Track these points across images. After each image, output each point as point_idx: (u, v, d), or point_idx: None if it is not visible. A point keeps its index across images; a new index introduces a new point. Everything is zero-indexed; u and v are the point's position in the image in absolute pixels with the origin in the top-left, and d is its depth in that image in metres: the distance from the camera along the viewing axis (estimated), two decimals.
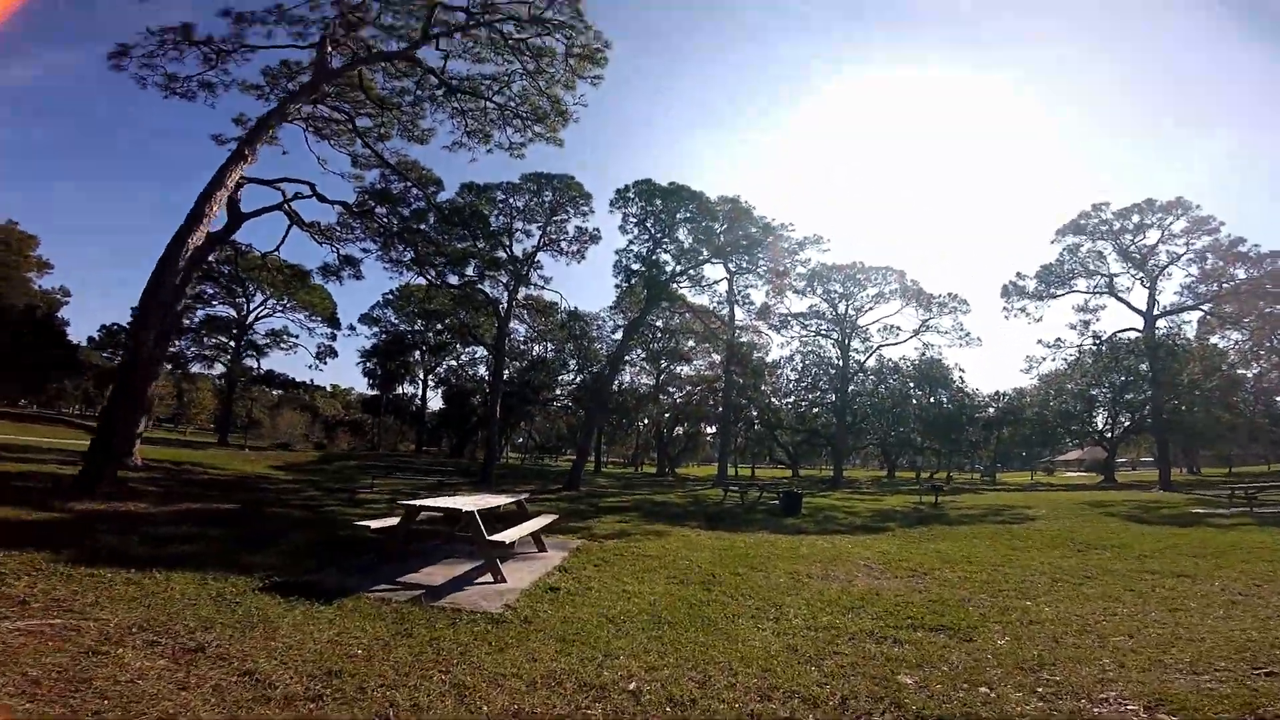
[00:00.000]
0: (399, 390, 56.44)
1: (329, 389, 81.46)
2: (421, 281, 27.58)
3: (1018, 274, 37.01)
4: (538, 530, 8.23)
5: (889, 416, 46.95)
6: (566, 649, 4.21)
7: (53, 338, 36.69)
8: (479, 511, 6.55)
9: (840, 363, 40.12)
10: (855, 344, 40.33)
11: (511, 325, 38.23)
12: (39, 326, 34.93)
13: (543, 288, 29.47)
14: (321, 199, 21.13)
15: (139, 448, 16.64)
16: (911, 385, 47.72)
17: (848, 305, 39.41)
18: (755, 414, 45.49)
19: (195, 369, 46.36)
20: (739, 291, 30.44)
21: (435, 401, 59.93)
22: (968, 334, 39.95)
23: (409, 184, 23.40)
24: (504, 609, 5.30)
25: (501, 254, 25.87)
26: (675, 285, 26.83)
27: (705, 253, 26.54)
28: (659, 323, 32.40)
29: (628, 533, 10.94)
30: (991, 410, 51.14)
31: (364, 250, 25.04)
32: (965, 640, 4.74)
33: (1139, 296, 34.22)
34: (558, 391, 45.83)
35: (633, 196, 26.14)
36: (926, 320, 39.78)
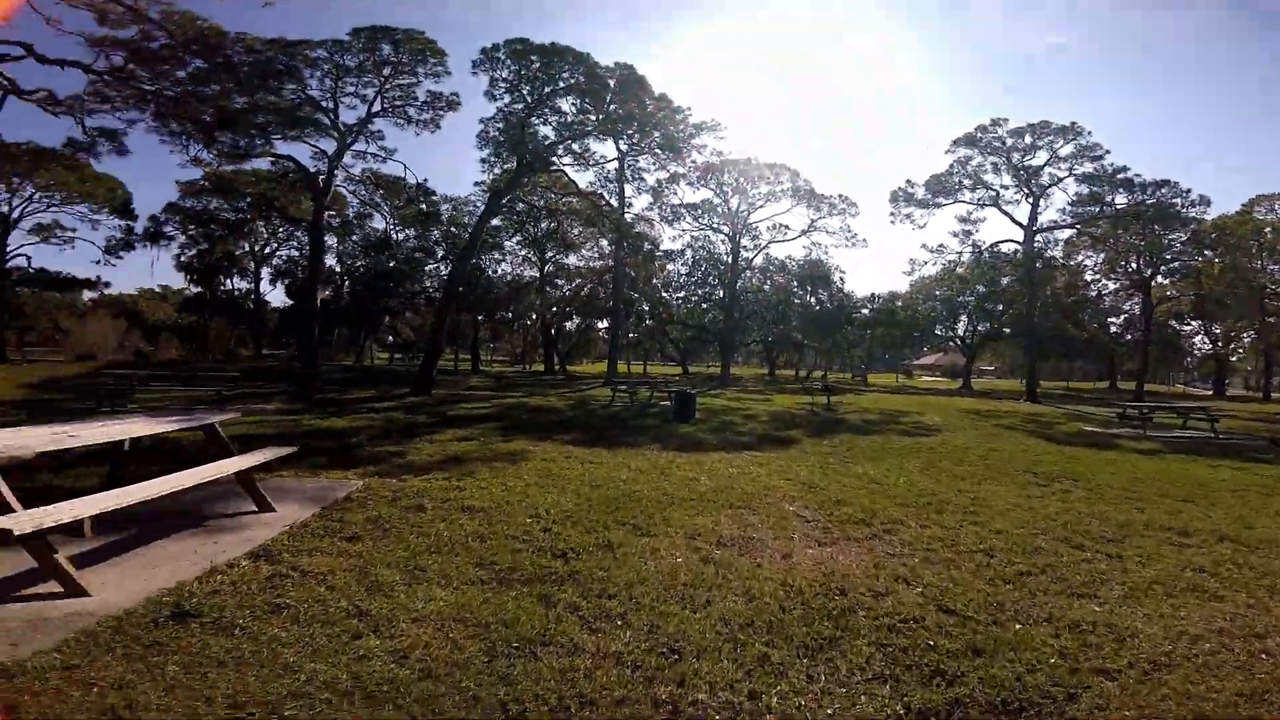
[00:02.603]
0: (227, 286, 47.38)
1: (158, 289, 68.18)
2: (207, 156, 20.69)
3: (908, 181, 36.64)
4: (246, 472, 4.80)
5: (773, 313, 46.80)
6: None
7: None
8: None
9: (730, 259, 38.52)
10: (745, 241, 38.83)
11: (357, 206, 31.80)
12: None
13: (383, 159, 23.53)
14: (43, 60, 15.56)
15: None
16: (795, 284, 47.61)
17: (740, 200, 37.40)
18: (646, 308, 43.09)
19: None
20: (630, 171, 26.51)
21: (280, 298, 51.66)
22: (854, 235, 39.75)
23: (177, 42, 16.45)
24: None
25: (313, 114, 19.60)
26: (555, 159, 22.40)
27: (591, 125, 22.09)
28: (539, 201, 27.79)
29: (463, 459, 7.79)
30: (866, 311, 52.75)
31: (126, 121, 18.37)
32: None
33: (1021, 212, 35.09)
34: (427, 284, 40.08)
35: (503, 57, 20.65)
36: (815, 220, 38.86)
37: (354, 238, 38.87)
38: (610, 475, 6.95)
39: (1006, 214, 35.43)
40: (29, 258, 35.89)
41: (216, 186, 29.77)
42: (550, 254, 39.05)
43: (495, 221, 33.18)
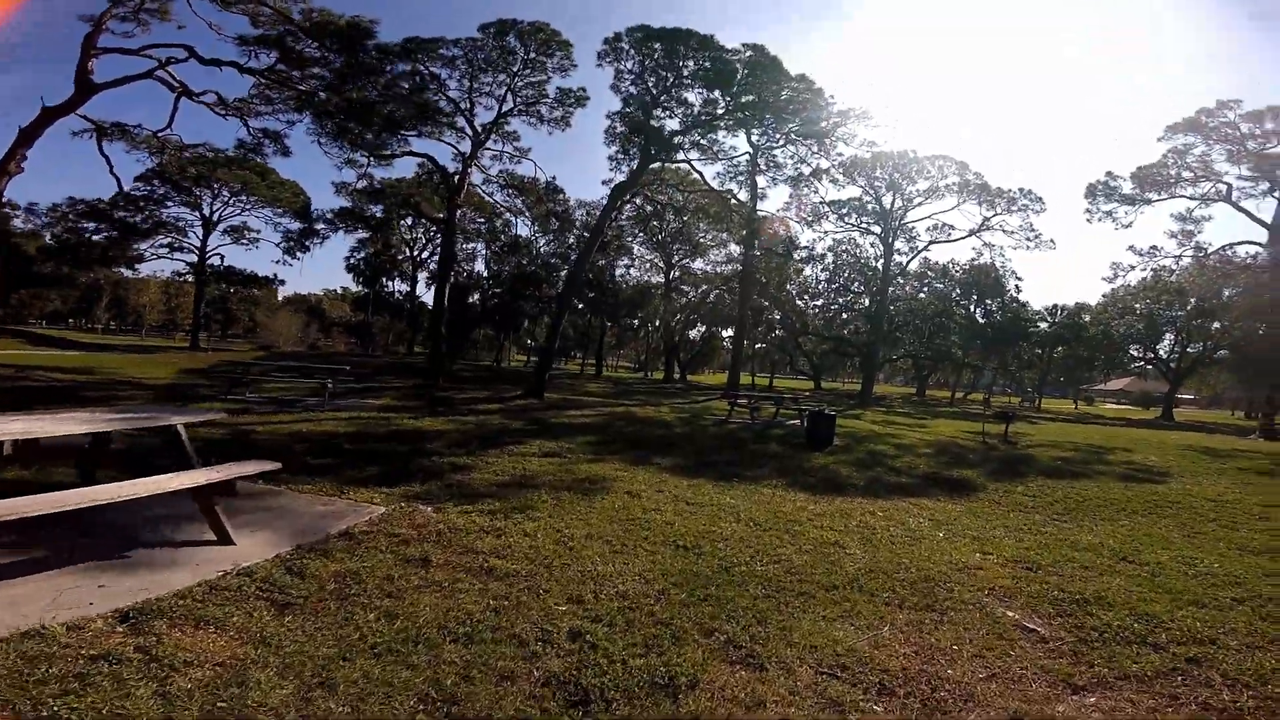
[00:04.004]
0: (389, 287, 51.69)
1: (339, 290, 77.57)
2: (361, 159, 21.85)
3: (1108, 174, 30.44)
4: (206, 491, 3.46)
5: (930, 325, 41.33)
6: None
7: None
8: None
9: (880, 264, 34.30)
10: (899, 244, 34.32)
11: (499, 208, 32.57)
12: None
13: (518, 159, 23.39)
14: (203, 61, 16.99)
15: None
16: (957, 292, 41.69)
17: (895, 198, 33.05)
18: (777, 316, 40.01)
19: (145, 270, 41.97)
20: (764, 162, 24.13)
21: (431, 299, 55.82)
22: (1038, 235, 33.46)
23: (321, 44, 17.30)
24: None
25: (445, 109, 19.71)
26: (681, 153, 20.73)
27: (719, 113, 20.18)
28: (664, 198, 26.34)
29: (531, 483, 6.20)
30: (1044, 325, 45.05)
31: (287, 123, 19.89)
32: None
33: (1265, 208, 27.78)
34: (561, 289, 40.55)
35: (626, 46, 19.45)
36: (989, 219, 33.36)
37: (497, 244, 40.26)
38: (709, 528, 4.93)
39: (1245, 211, 28.40)
40: (222, 256, 41.35)
41: (367, 189, 31.90)
42: (677, 258, 37.62)
43: (621, 221, 32.39)
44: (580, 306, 38.58)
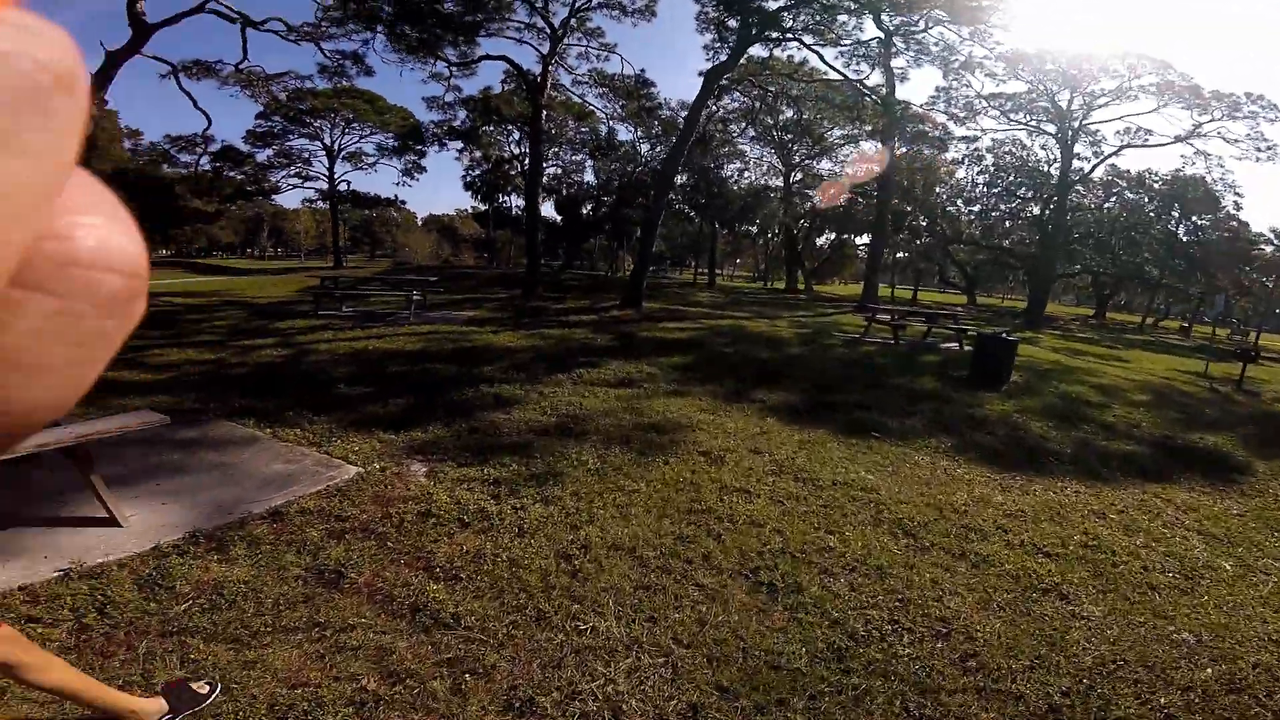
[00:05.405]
0: (507, 202, 52.07)
1: (469, 210, 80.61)
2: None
3: None
4: (80, 453, 2.38)
5: (1120, 239, 34.33)
6: None
7: (152, 195, 35.96)
8: None
9: (1054, 169, 28.27)
10: (1079, 148, 27.85)
11: (589, 109, 30.32)
12: (132, 188, 33.90)
13: (605, 57, 20.61)
14: None
15: None
16: (1153, 205, 34.08)
17: (1074, 97, 26.45)
18: (924, 222, 34.57)
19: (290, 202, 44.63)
20: (901, 46, 19.13)
21: (550, 212, 56.17)
22: (1271, 145, 25.60)
23: None
24: None
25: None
26: (790, 34, 16.83)
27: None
28: (772, 87, 22.32)
29: (579, 428, 4.65)
30: (1270, 249, 36.30)
31: (362, 42, 18.46)
32: None
33: None
34: (674, 196, 37.92)
35: None
36: (1201, 124, 26.18)
37: (598, 150, 38.24)
38: (822, 538, 3.08)
39: None
40: (348, 183, 43.28)
41: (453, 100, 31.14)
42: (799, 159, 33.26)
43: (726, 116, 28.80)
44: (689, 212, 35.93)
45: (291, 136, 36.10)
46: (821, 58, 18.45)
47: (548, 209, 54.26)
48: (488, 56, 19.29)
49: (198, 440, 4.05)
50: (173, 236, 48.02)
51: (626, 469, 3.80)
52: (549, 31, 17.89)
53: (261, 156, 36.42)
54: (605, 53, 20.68)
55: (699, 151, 27.45)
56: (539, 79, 18.12)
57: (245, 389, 5.47)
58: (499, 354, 7.87)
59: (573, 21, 18.37)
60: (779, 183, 34.41)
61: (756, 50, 18.95)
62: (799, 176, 34.33)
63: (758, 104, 26.47)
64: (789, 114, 28.10)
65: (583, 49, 20.46)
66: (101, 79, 14.19)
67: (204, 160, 35.39)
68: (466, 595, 2.31)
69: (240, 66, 20.00)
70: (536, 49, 18.74)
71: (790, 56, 21.89)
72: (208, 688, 1.72)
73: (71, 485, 2.87)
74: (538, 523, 2.96)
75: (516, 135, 41.01)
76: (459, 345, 8.38)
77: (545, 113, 19.10)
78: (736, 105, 28.16)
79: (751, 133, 30.80)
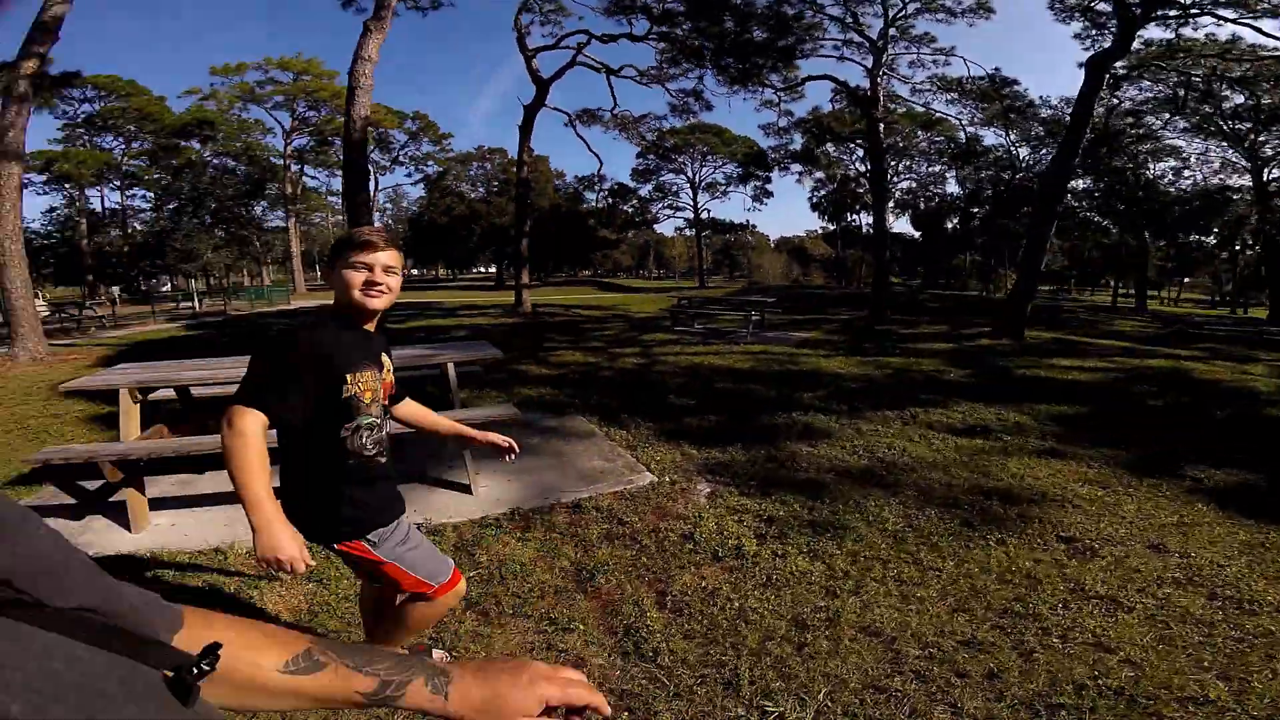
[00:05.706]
0: (855, 221, 50.29)
1: (819, 231, 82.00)
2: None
3: None
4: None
5: None
6: None
7: (574, 225, 46.21)
8: None
9: None
10: None
11: (937, 116, 26.64)
12: (562, 220, 44.34)
13: (945, 61, 17.90)
14: (602, 40, 18.16)
15: (528, 296, 18.30)
16: None
17: None
18: None
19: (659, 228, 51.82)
20: None
21: (905, 228, 52.20)
22: None
23: None
24: None
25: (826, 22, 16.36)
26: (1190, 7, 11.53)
27: None
28: (1196, 72, 15.55)
29: (890, 478, 4.00)
30: None
31: (697, 79, 20.14)
32: None
33: None
34: (1070, 201, 30.67)
35: None
36: None
37: (969, 159, 33.43)
38: (1201, 680, 1.92)
39: None
40: (709, 211, 48.34)
41: (786, 125, 31.39)
42: (1272, 151, 23.08)
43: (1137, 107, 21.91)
44: (1100, 221, 28.43)
45: (663, 171, 42.77)
46: (1259, 30, 12.67)
47: (903, 224, 50.35)
48: (810, 77, 19.25)
49: (555, 429, 4.94)
50: (591, 260, 60.93)
51: (937, 540, 3.07)
52: (868, 45, 16.76)
53: (643, 191, 43.95)
54: (941, 57, 18.34)
55: (1103, 150, 21.53)
56: (868, 93, 17.08)
57: (604, 390, 6.52)
58: (825, 380, 7.49)
59: (892, 31, 17.15)
60: (1245, 181, 24.71)
61: (1154, 32, 14.43)
62: (1277, 173, 24.21)
63: (1181, 91, 19.75)
64: (1239, 99, 20.06)
65: (914, 56, 18.62)
66: (526, 128, 17.91)
67: (603, 196, 44.36)
68: (678, 633, 2.18)
69: (614, 112, 24.28)
70: (860, 63, 17.79)
71: (1211, 35, 16.07)
72: (447, 659, 1.97)
73: (456, 456, 3.81)
74: (791, 576, 2.62)
75: (860, 152, 39.43)
76: (785, 368, 8.30)
77: (884, 125, 17.85)
78: (1149, 96, 21.63)
79: (1183, 124, 23.00)
